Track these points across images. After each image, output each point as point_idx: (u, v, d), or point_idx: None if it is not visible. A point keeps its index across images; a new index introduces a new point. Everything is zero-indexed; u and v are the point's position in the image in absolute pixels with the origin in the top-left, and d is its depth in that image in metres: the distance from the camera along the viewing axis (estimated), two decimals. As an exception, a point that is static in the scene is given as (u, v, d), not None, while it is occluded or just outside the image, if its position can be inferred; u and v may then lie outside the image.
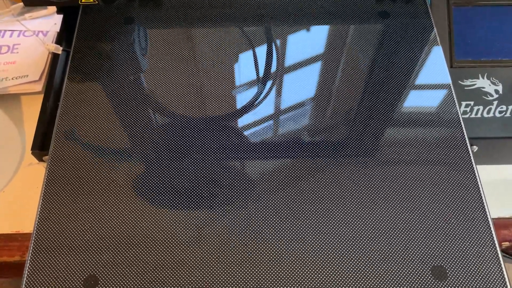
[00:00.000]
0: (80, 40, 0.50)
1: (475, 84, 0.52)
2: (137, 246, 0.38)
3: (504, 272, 0.36)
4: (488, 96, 0.52)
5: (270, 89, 0.48)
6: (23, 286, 0.36)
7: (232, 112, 0.46)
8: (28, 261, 0.37)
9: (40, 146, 0.50)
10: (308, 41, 0.52)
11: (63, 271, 0.37)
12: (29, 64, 0.59)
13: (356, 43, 0.51)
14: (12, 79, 0.57)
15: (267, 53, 0.51)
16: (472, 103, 0.51)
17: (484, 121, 0.51)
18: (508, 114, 0.51)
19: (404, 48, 0.50)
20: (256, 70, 0.50)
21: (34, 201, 0.49)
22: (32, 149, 0.50)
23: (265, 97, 0.47)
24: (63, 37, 0.59)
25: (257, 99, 0.47)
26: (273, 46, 0.51)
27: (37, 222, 0.39)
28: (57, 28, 0.61)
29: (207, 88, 0.47)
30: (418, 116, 0.46)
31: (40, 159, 0.51)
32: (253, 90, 0.48)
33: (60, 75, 0.56)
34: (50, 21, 0.63)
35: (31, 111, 0.57)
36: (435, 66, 0.48)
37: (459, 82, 0.52)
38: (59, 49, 0.54)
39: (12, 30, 0.63)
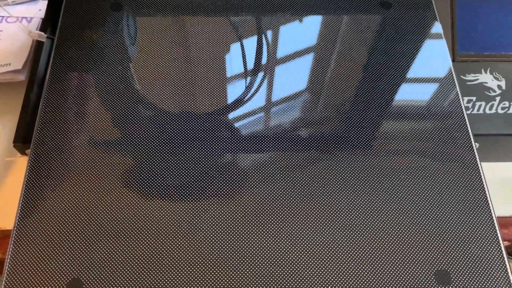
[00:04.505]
0: (65, 27, 0.47)
1: (477, 79, 0.50)
2: (125, 246, 0.36)
3: (510, 276, 0.35)
4: (491, 91, 0.50)
5: (268, 80, 0.46)
6: (2, 288, 0.34)
7: (227, 104, 0.44)
8: (7, 264, 0.35)
9: (23, 139, 0.47)
10: (307, 32, 0.49)
11: (45, 274, 0.34)
12: (11, 52, 0.56)
13: (357, 33, 0.49)
14: (-6, 67, 0.54)
15: (262, 44, 0.49)
16: (474, 98, 0.50)
17: (486, 117, 0.49)
18: (511, 111, 0.49)
19: (406, 40, 0.48)
20: (255, 60, 0.47)
21: (16, 197, 0.47)
22: (14, 141, 0.47)
23: (260, 88, 0.45)
24: (48, 24, 0.56)
25: (254, 91, 0.45)
26: (269, 37, 0.49)
27: (17, 220, 0.37)
28: (42, 14, 0.58)
29: (199, 79, 0.45)
30: (420, 111, 0.44)
31: (23, 153, 0.48)
32: (251, 81, 0.46)
33: (45, 64, 0.53)
34: (34, 7, 0.60)
35: (14, 101, 0.54)
36: (438, 59, 0.47)
37: (461, 76, 0.50)
38: (43, 37, 0.52)
39: (-6, 16, 0.59)
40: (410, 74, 0.46)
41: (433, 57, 0.47)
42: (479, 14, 0.52)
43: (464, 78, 0.50)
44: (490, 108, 0.49)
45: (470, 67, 0.51)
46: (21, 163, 0.50)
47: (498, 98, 0.50)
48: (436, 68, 0.46)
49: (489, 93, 0.50)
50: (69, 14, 0.48)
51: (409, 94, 0.45)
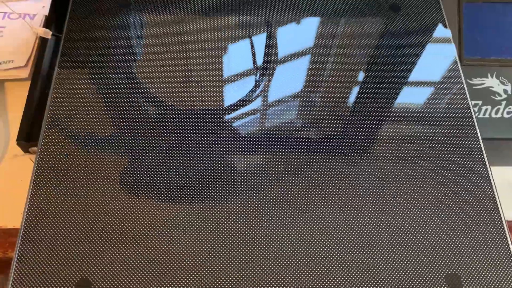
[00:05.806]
0: (72, 25, 0.47)
1: (483, 83, 0.50)
2: (133, 246, 0.35)
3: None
4: (497, 96, 0.50)
5: (274, 81, 0.46)
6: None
7: (232, 104, 0.44)
8: (14, 263, 0.34)
9: (26, 137, 0.47)
10: (313, 33, 0.49)
11: (53, 275, 0.34)
12: (15, 49, 0.55)
13: (366, 36, 0.49)
14: (-4, 64, 0.54)
15: (268, 45, 0.48)
16: (480, 102, 0.50)
17: (492, 121, 0.49)
18: (516, 115, 0.49)
19: (415, 43, 0.48)
20: (262, 61, 0.47)
21: (18, 195, 0.46)
22: (17, 139, 0.46)
23: (264, 89, 0.45)
24: (52, 21, 0.55)
25: (260, 92, 0.45)
26: (276, 38, 0.49)
27: (24, 219, 0.36)
28: (46, 11, 0.57)
29: (205, 79, 0.45)
30: (428, 115, 0.44)
31: (26, 151, 0.48)
32: (258, 82, 0.45)
33: (49, 61, 0.52)
34: (38, 3, 0.59)
35: (16, 99, 0.53)
36: (447, 64, 0.47)
37: (468, 80, 0.50)
38: (48, 34, 0.51)
39: (-4, 12, 0.59)
40: (419, 77, 0.46)
41: (442, 62, 0.47)
42: (486, 19, 0.52)
43: (471, 82, 0.50)
44: (496, 112, 0.49)
45: (476, 71, 0.51)
46: (23, 161, 0.50)
47: (504, 103, 0.50)
48: (445, 73, 0.46)
49: (495, 98, 0.50)
50: (77, 10, 0.48)
51: (417, 97, 0.45)
